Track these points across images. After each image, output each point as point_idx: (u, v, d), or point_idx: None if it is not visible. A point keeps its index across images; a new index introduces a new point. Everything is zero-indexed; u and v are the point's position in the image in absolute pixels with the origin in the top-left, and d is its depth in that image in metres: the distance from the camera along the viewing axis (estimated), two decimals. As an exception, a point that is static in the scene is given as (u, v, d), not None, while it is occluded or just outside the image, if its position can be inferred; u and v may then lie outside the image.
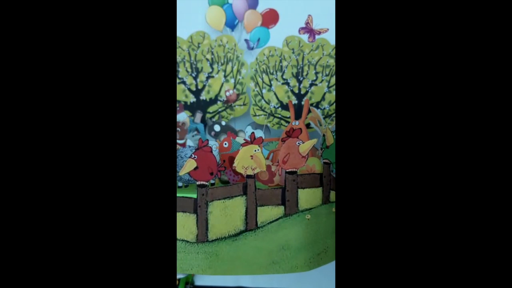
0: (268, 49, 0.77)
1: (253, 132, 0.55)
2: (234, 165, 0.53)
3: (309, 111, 0.70)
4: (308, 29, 0.68)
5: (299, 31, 0.68)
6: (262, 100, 0.78)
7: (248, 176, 0.54)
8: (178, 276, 0.90)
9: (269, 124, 0.78)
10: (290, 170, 0.55)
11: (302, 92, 0.78)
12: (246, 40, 0.81)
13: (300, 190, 0.56)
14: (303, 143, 0.55)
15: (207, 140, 0.53)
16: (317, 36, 0.70)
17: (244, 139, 0.54)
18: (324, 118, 0.78)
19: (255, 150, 0.53)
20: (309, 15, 0.68)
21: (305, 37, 0.70)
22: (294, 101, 0.77)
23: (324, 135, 0.59)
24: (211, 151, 0.53)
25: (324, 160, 0.58)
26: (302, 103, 0.77)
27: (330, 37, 0.77)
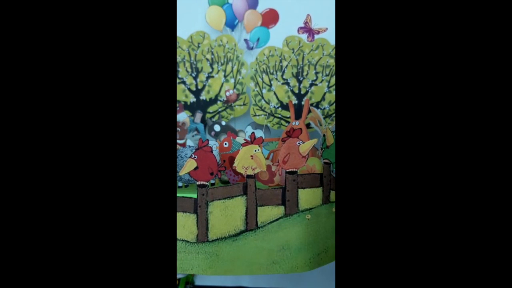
0: (268, 49, 0.77)
1: (253, 132, 0.55)
2: (234, 165, 0.53)
3: (309, 111, 0.70)
4: (307, 29, 0.68)
5: (298, 30, 0.68)
6: (262, 100, 0.78)
7: (248, 176, 0.54)
8: (178, 276, 0.90)
9: (269, 124, 0.78)
10: (290, 170, 0.55)
11: (302, 92, 0.78)
12: (245, 40, 0.81)
13: (300, 190, 0.56)
14: (303, 143, 0.55)
15: (207, 140, 0.53)
16: (316, 36, 0.70)
17: (244, 139, 0.54)
18: (324, 118, 0.78)
19: (255, 150, 0.53)
20: (308, 14, 0.68)
21: (304, 36, 0.70)
22: (294, 101, 0.77)
23: (324, 135, 0.59)
24: (211, 151, 0.53)
25: (324, 160, 0.58)
26: (302, 103, 0.77)
27: (330, 37, 0.77)
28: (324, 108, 0.78)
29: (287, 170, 0.55)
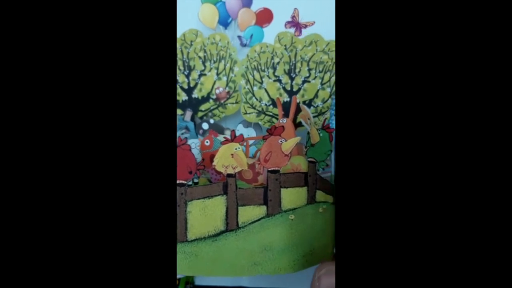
0: (260, 46, 0.76)
1: (233, 130, 0.54)
2: (213, 163, 0.52)
3: (300, 109, 0.68)
4: (294, 23, 0.67)
5: (285, 25, 0.67)
6: (253, 98, 0.76)
7: (229, 175, 0.53)
8: (178, 276, 0.90)
9: (260, 122, 0.76)
10: (272, 169, 0.54)
11: (295, 89, 0.76)
12: (239, 37, 0.80)
13: (283, 190, 0.54)
14: (285, 141, 0.53)
15: (186, 138, 0.52)
16: (303, 30, 0.68)
17: (224, 137, 0.53)
18: (317, 116, 0.76)
19: (236, 149, 0.52)
20: (295, 8, 0.67)
21: (292, 31, 0.68)
22: (286, 98, 0.76)
23: (308, 133, 0.57)
24: (190, 149, 0.52)
25: (309, 159, 0.57)
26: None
27: (323, 32, 0.75)
28: (317, 106, 0.76)
29: (269, 169, 0.54)
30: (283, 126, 0.54)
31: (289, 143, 0.53)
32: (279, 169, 0.54)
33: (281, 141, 0.53)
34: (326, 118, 0.63)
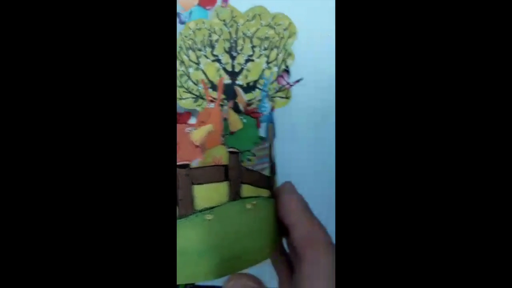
0: (195, 22, 0.67)
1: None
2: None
3: (235, 93, 0.60)
4: (218, -7, 0.58)
5: (208, -5, 0.58)
6: (189, 81, 0.68)
7: (130, 172, 0.46)
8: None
9: (198, 108, 0.68)
10: (180, 163, 0.46)
11: (237, 69, 0.68)
12: (177, 13, 0.72)
13: (196, 187, 0.47)
14: (195, 130, 0.45)
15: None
16: (246, 3, 0.59)
17: (121, 128, 0.45)
18: (262, 99, 0.68)
19: (134, 141, 0.45)
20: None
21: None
22: (227, 80, 0.68)
23: (225, 119, 0.49)
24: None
25: (230, 149, 0.49)
26: (238, 82, 0.67)
27: (268, 4, 0.67)
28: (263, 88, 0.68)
29: (177, 164, 0.46)
30: (190, 112, 0.46)
31: (199, 132, 0.45)
32: (189, 163, 0.46)
33: (189, 130, 0.45)
34: (250, 103, 0.55)
